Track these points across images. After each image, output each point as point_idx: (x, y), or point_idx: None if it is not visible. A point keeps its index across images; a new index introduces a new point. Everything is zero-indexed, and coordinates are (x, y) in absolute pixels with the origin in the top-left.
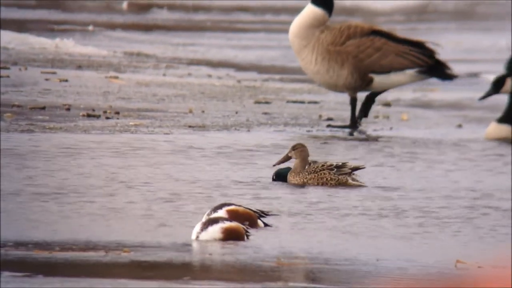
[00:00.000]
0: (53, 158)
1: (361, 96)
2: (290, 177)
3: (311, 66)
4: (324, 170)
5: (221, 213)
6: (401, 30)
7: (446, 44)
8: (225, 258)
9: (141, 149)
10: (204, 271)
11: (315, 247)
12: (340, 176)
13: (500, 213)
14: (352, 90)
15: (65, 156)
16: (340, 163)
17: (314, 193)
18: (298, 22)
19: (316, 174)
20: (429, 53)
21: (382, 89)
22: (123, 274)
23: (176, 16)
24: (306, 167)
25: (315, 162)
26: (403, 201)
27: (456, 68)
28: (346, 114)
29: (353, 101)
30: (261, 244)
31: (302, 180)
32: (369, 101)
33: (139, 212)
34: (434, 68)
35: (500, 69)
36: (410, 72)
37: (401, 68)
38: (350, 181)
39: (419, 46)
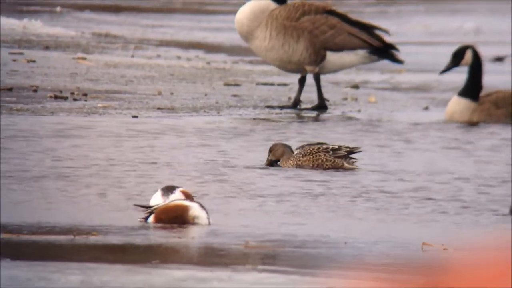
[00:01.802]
0: (22, 140)
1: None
2: (282, 163)
3: (265, 42)
4: (319, 152)
5: (177, 194)
6: (371, 13)
7: (415, 27)
8: (195, 241)
9: (111, 131)
10: (173, 254)
11: (283, 230)
12: (336, 159)
13: (468, 197)
14: (308, 65)
15: (37, 138)
16: (336, 146)
17: (291, 176)
18: (249, 7)
19: (312, 156)
20: (378, 37)
21: (335, 69)
22: (91, 258)
23: None
24: (298, 151)
25: (310, 144)
26: (374, 183)
27: (423, 50)
28: (315, 96)
29: (317, 78)
30: (230, 227)
31: (295, 162)
32: (302, 85)
33: (109, 195)
34: (385, 51)
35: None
36: (362, 53)
37: (353, 48)
38: (346, 164)
39: (368, 30)
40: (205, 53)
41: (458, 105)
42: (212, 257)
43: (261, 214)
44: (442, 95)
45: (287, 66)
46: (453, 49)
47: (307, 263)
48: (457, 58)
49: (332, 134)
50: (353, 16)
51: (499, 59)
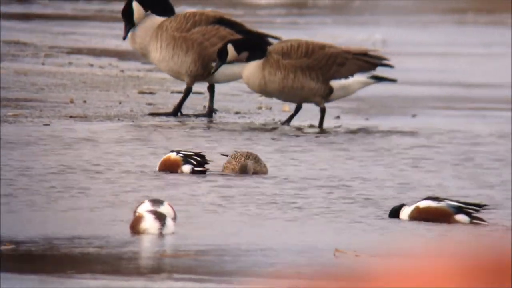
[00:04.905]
0: None
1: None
2: None
3: (157, 54)
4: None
5: (166, 206)
6: (282, 24)
7: (324, 37)
8: (112, 251)
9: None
10: (89, 264)
11: (201, 238)
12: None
13: (376, 203)
14: (192, 78)
15: None
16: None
17: (203, 182)
18: (139, 29)
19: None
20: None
21: (224, 80)
22: (4, 268)
23: (55, 6)
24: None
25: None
26: (284, 190)
27: None
28: (231, 104)
29: (188, 91)
30: (150, 236)
31: None
32: (212, 92)
33: (24, 204)
34: None
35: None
36: None
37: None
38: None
39: (261, 38)
40: (118, 61)
41: (248, 68)
42: (128, 266)
43: (180, 223)
44: (351, 104)
45: (180, 77)
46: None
47: (223, 271)
48: (222, 56)
49: (246, 141)
50: (262, 27)
51: None
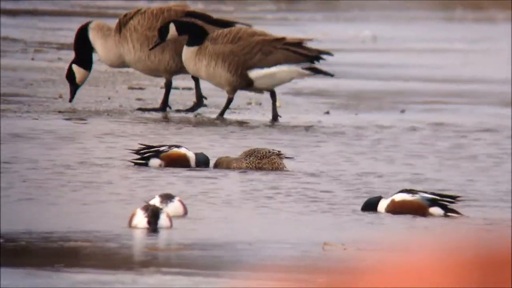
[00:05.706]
0: None
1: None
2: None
3: (132, 55)
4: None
5: (176, 203)
6: (272, 20)
7: (315, 35)
8: (100, 245)
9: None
10: (77, 258)
11: (192, 233)
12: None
13: (363, 197)
14: (172, 73)
15: None
16: (276, 151)
17: (198, 178)
18: (101, 53)
19: (268, 159)
20: None
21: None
22: None
23: (43, 2)
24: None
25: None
26: (273, 184)
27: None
28: (220, 100)
29: (169, 84)
30: (139, 231)
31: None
32: (197, 80)
33: (13, 198)
34: None
35: (361, 57)
36: None
37: None
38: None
39: (231, 27)
40: None
41: (186, 53)
42: (117, 260)
43: (180, 218)
44: (340, 100)
45: (158, 74)
46: (352, 56)
47: (211, 264)
48: (163, 34)
49: (235, 138)
50: (253, 24)
51: None
